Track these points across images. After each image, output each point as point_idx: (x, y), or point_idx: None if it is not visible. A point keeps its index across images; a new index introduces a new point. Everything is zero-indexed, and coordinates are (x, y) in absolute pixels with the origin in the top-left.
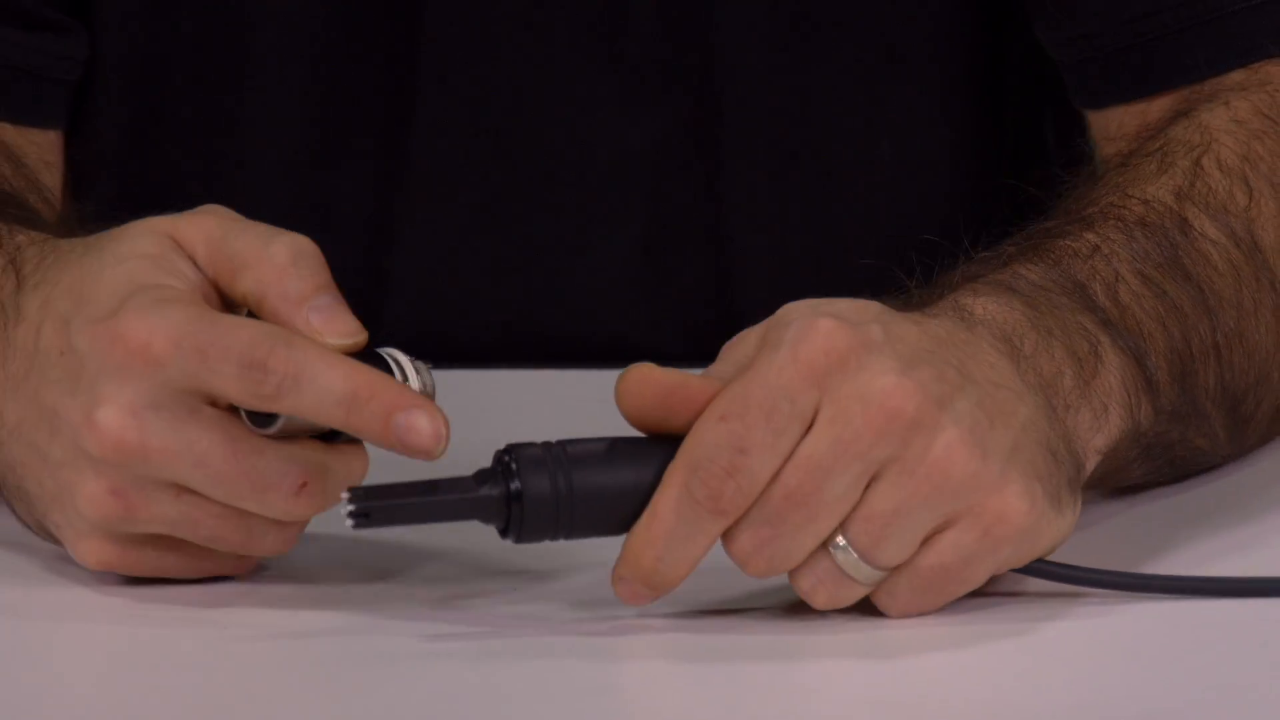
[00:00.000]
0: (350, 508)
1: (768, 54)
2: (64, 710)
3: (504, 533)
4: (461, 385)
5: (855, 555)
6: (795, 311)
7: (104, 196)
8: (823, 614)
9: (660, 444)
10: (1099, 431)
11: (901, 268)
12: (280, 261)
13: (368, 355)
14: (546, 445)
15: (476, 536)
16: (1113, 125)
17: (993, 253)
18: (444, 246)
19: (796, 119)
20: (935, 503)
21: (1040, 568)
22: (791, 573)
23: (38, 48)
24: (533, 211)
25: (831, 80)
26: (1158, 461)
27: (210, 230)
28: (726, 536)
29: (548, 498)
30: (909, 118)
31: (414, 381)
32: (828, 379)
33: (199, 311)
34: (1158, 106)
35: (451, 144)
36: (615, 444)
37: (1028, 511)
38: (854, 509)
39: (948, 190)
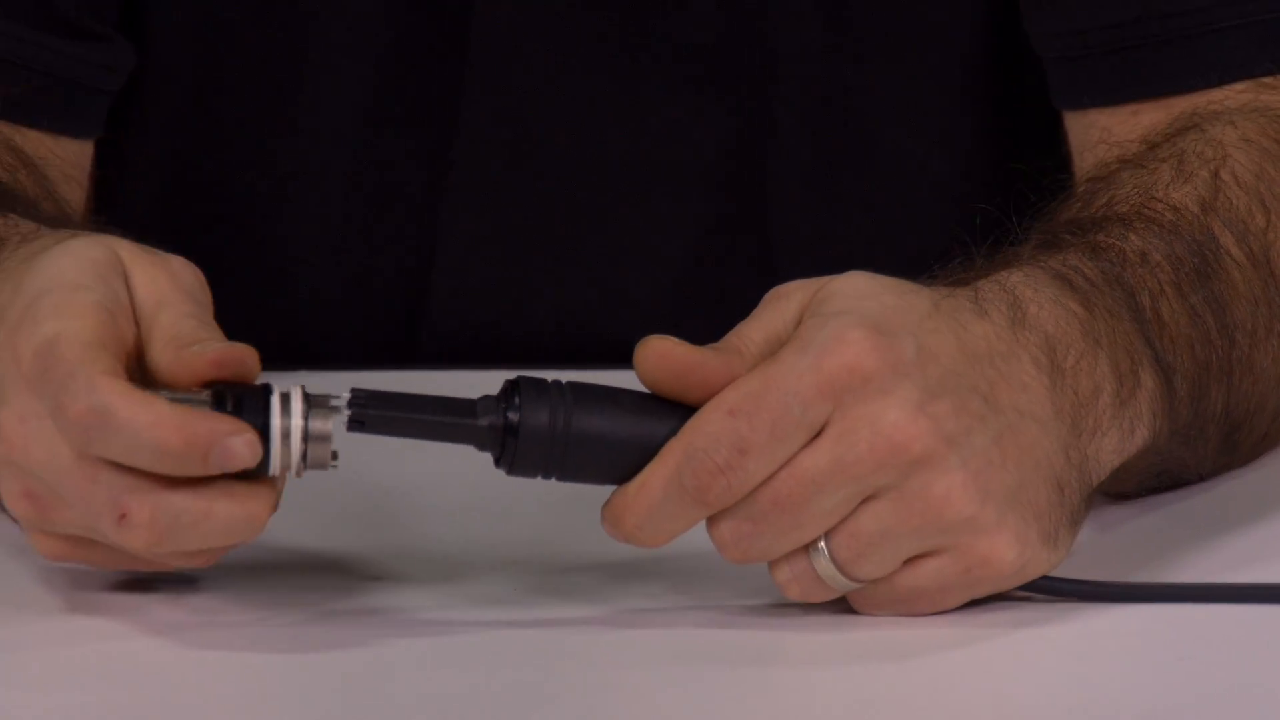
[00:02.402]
0: (349, 411)
1: (822, 64)
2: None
3: (497, 462)
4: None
5: (833, 565)
6: (838, 301)
7: (148, 206)
8: (825, 614)
9: (670, 406)
10: (1120, 454)
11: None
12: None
13: (255, 391)
14: (555, 383)
15: (470, 536)
16: (1097, 130)
17: (1049, 237)
18: (490, 250)
19: (845, 133)
20: (924, 534)
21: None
22: (770, 563)
23: (78, 57)
24: (579, 217)
25: (881, 92)
26: (1149, 475)
27: (149, 275)
28: (710, 520)
29: (544, 433)
30: (951, 133)
31: (276, 424)
32: (845, 395)
33: (68, 331)
34: (1147, 119)
35: (499, 149)
36: (624, 395)
37: (1014, 560)
38: (841, 523)
39: (997, 205)
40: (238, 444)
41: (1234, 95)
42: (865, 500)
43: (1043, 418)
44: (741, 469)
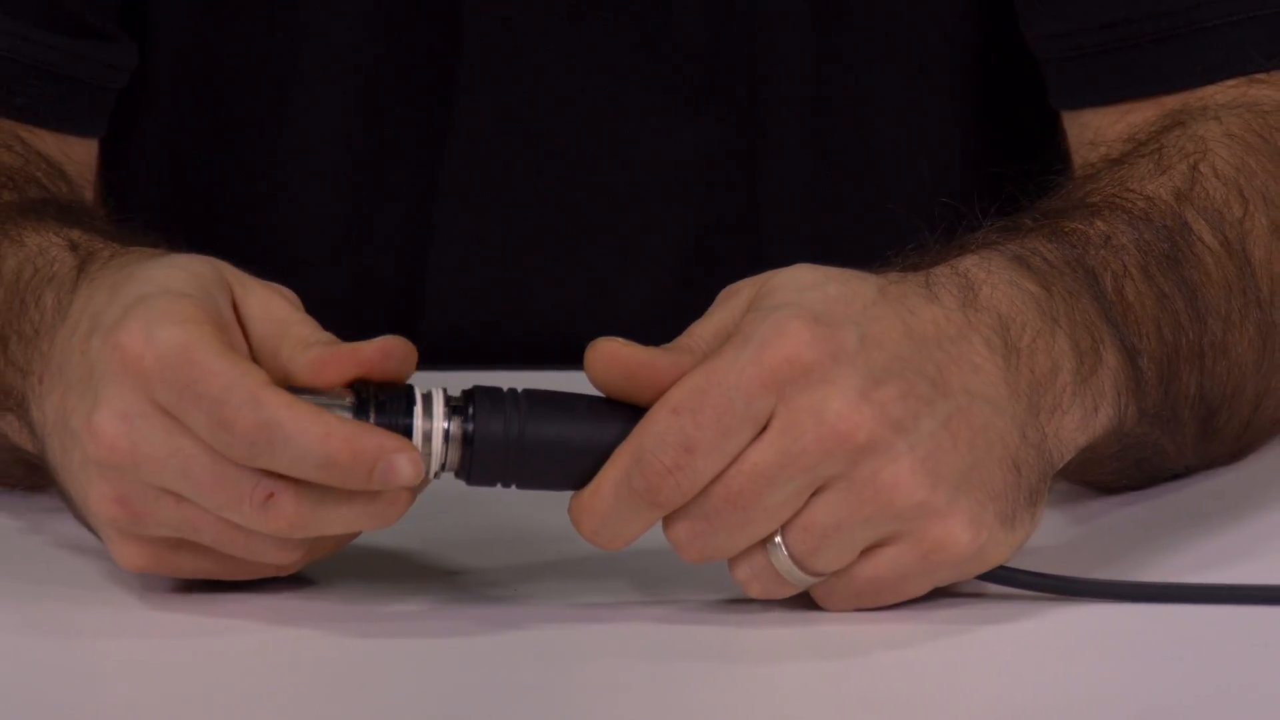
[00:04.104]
0: None
1: (806, 69)
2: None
3: (456, 473)
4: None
5: (790, 560)
6: (780, 294)
7: (142, 202)
8: (798, 611)
9: (624, 409)
10: (1084, 432)
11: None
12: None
13: (394, 388)
14: (511, 391)
15: (440, 533)
16: (1090, 130)
17: (1010, 222)
18: (482, 257)
19: (835, 134)
20: (877, 522)
21: (996, 573)
22: (730, 561)
23: (85, 55)
24: (574, 219)
25: (870, 95)
26: (1127, 462)
27: (263, 295)
28: (666, 521)
29: (498, 442)
30: (942, 136)
31: (419, 425)
32: (787, 387)
33: (196, 338)
34: (1139, 117)
35: (491, 156)
36: (579, 400)
37: (969, 542)
38: (794, 516)
39: (991, 206)
40: (403, 462)
41: (1224, 91)
42: (816, 492)
43: (995, 398)
44: (690, 468)
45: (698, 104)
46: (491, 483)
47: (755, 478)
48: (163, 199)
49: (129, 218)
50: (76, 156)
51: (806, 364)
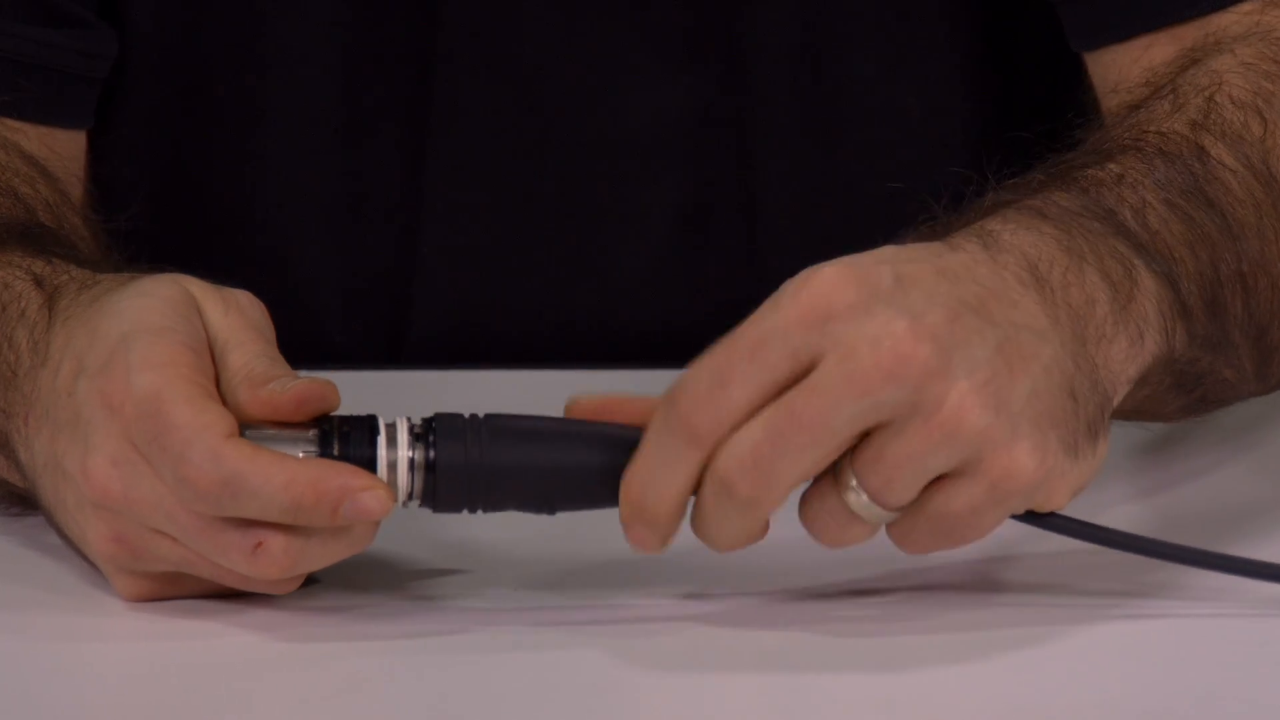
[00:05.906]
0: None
1: (794, 17)
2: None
3: (421, 501)
4: (491, 386)
5: (865, 496)
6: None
7: (130, 194)
8: (805, 614)
9: (591, 428)
10: (1133, 360)
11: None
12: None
13: (358, 420)
14: (473, 417)
15: (474, 531)
16: (1112, 72)
17: (1020, 180)
18: (474, 225)
19: (823, 86)
20: (946, 451)
21: (1057, 523)
22: (802, 509)
23: (66, 45)
24: (564, 187)
25: (856, 46)
26: (1190, 395)
27: (217, 314)
28: (722, 448)
29: (460, 468)
30: (933, 81)
31: (383, 456)
32: (831, 324)
33: (166, 384)
34: (1158, 54)
35: (477, 121)
36: (541, 422)
37: (1035, 469)
38: (865, 451)
39: (978, 159)
40: (368, 498)
41: (1239, 20)
42: (882, 426)
43: (1039, 328)
44: (726, 397)
45: (686, 57)
46: (458, 509)
47: (821, 395)
48: (151, 190)
49: (111, 218)
50: (62, 150)
51: (848, 300)
